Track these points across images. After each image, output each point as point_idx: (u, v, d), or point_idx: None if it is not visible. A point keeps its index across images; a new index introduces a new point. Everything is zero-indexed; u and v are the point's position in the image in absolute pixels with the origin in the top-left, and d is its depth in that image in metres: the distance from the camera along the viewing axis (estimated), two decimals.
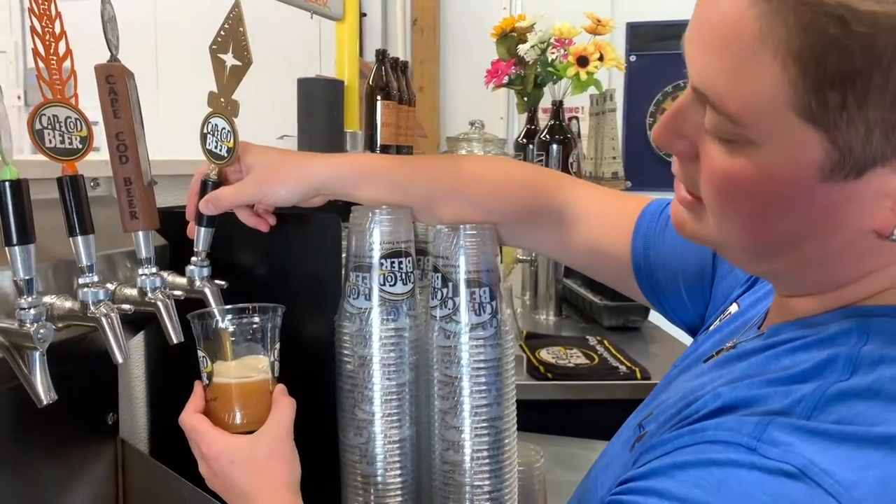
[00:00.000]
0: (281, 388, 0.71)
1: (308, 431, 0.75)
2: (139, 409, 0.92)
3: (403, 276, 0.74)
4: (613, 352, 1.71)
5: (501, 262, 0.86)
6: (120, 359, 0.59)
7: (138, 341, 0.90)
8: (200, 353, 0.70)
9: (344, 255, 0.78)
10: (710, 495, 0.39)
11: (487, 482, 0.74)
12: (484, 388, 0.73)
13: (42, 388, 0.54)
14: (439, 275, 0.73)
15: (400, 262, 0.74)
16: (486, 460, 0.74)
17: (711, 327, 0.61)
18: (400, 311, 0.74)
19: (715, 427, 0.43)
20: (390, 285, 0.73)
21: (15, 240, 0.52)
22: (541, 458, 0.87)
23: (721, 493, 0.39)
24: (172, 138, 0.98)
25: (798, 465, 0.39)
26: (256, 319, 0.71)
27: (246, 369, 0.70)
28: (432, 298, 0.74)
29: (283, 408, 0.69)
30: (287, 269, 0.80)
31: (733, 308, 0.60)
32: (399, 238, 0.74)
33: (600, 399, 1.54)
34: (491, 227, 0.73)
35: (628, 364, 1.61)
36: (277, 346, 0.73)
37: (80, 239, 0.59)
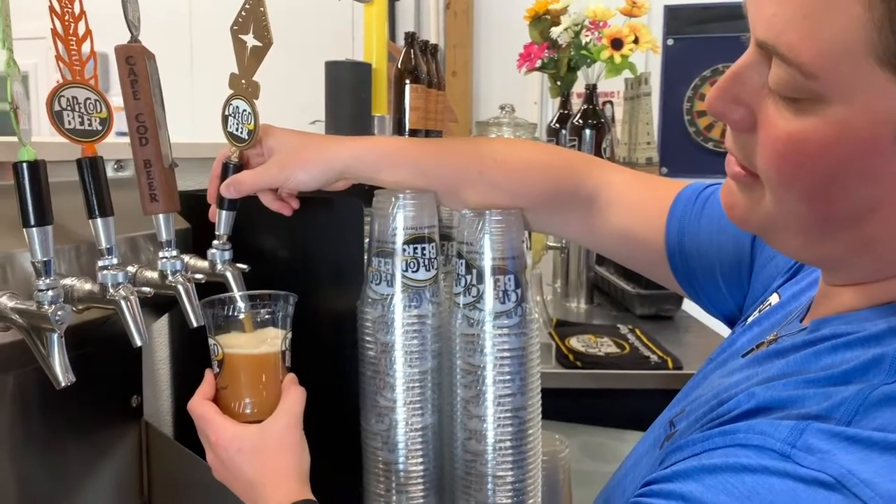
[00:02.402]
0: (291, 377, 0.70)
1: (329, 417, 0.75)
2: (163, 392, 0.92)
3: (427, 263, 0.72)
4: (645, 341, 1.68)
5: (530, 248, 0.84)
6: (138, 341, 0.59)
7: (162, 324, 0.91)
8: (211, 341, 0.69)
9: (367, 240, 0.77)
10: (738, 502, 0.37)
11: (510, 473, 0.73)
12: (508, 377, 0.71)
13: (60, 370, 0.54)
14: (463, 261, 0.72)
15: (423, 248, 0.72)
16: (509, 451, 0.72)
17: (750, 319, 0.58)
18: (423, 298, 0.73)
19: (747, 430, 0.40)
20: (413, 271, 0.72)
21: (32, 221, 0.52)
22: (566, 448, 0.85)
23: (751, 502, 0.37)
24: (207, 123, 0.97)
25: (835, 474, 0.36)
26: (268, 307, 0.71)
27: (258, 351, 0.70)
28: (456, 285, 0.73)
29: (293, 396, 0.68)
30: (309, 254, 0.79)
31: (773, 299, 0.57)
32: (422, 223, 0.72)
33: (630, 389, 1.52)
34: (517, 212, 0.71)
35: (660, 353, 1.58)
36: (289, 334, 0.72)
37: (99, 221, 0.59)
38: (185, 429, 0.92)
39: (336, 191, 0.75)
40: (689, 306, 1.95)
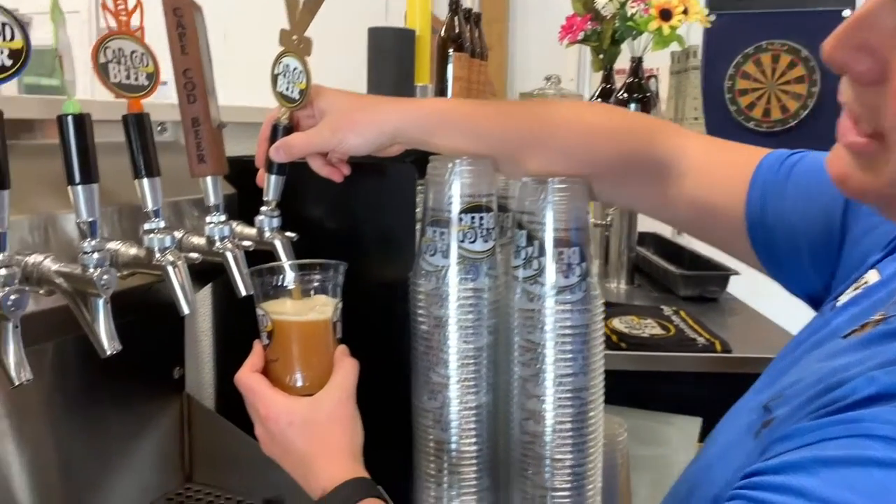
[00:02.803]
0: (343, 348, 0.67)
1: (380, 393, 0.71)
2: (206, 364, 0.90)
3: (484, 233, 0.68)
4: (690, 323, 1.63)
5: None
6: (186, 310, 0.56)
7: (205, 294, 0.88)
8: (260, 311, 0.66)
9: (420, 208, 0.73)
10: (865, 500, 0.33)
11: (569, 456, 0.69)
12: (569, 356, 0.67)
13: (105, 337, 0.51)
14: (524, 232, 0.68)
15: (481, 218, 0.68)
16: (569, 433, 0.69)
17: (842, 298, 0.53)
18: (479, 271, 0.69)
19: (872, 418, 0.36)
20: (470, 242, 0.68)
21: (78, 178, 0.49)
22: (624, 432, 0.81)
23: (880, 500, 0.32)
24: (241, 86, 0.94)
25: None
26: (318, 276, 0.67)
27: (309, 318, 0.66)
28: (515, 258, 0.69)
29: (346, 369, 0.65)
30: (360, 223, 0.76)
31: (872, 276, 0.52)
32: (480, 191, 0.68)
33: (675, 372, 1.48)
34: (582, 180, 0.67)
35: (707, 336, 1.53)
36: (340, 304, 0.68)
37: (145, 181, 0.56)
38: (228, 402, 0.90)
39: (389, 156, 0.71)
40: (735, 288, 1.90)
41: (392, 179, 0.73)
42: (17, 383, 0.45)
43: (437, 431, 0.71)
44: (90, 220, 0.50)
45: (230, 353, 0.89)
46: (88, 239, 0.50)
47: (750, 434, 0.47)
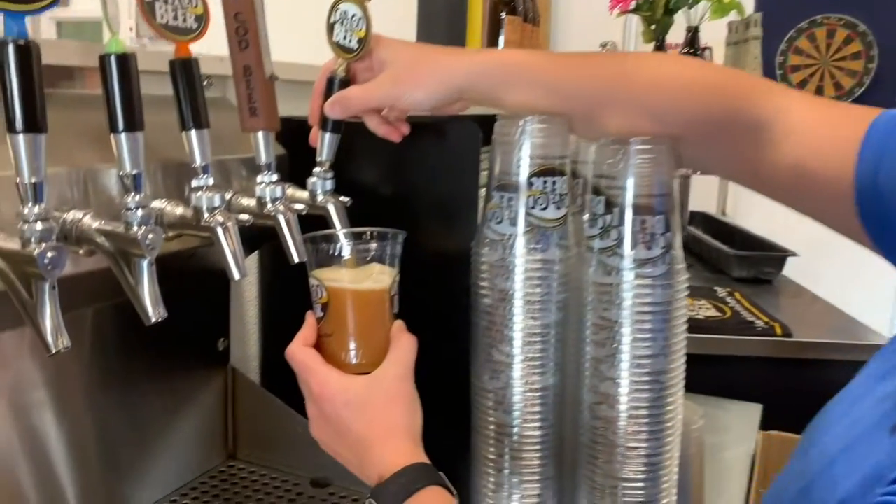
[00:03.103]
0: (400, 324, 0.62)
1: (437, 372, 0.66)
2: (251, 336, 0.86)
3: (557, 199, 0.62)
4: (746, 305, 1.56)
5: None
6: (237, 275, 0.51)
7: (252, 262, 0.83)
8: (314, 281, 0.61)
9: (484, 171, 0.67)
10: None
11: (644, 444, 0.63)
12: (649, 335, 0.61)
13: (150, 303, 0.46)
14: (602, 198, 0.61)
15: (553, 182, 0.62)
16: (645, 420, 0.63)
17: None
18: (550, 240, 0.63)
19: None
20: (541, 209, 0.62)
21: (121, 125, 0.44)
22: (700, 419, 0.75)
23: None
24: (291, 39, 0.88)
25: None
26: (375, 245, 0.62)
27: (365, 286, 0.61)
28: (591, 226, 0.63)
29: (403, 346, 0.60)
30: (419, 188, 0.70)
31: None
32: (553, 152, 0.62)
33: (732, 356, 1.41)
34: (668, 141, 0.60)
35: (765, 319, 1.45)
36: (397, 276, 0.63)
37: (193, 133, 0.51)
38: (274, 376, 0.86)
39: (453, 114, 0.65)
40: (791, 270, 1.81)
41: (454, 140, 0.68)
42: (53, 350, 0.41)
43: (498, 414, 0.66)
44: (134, 172, 0.45)
45: (277, 324, 0.84)
46: (132, 194, 0.45)
47: (883, 429, 0.41)
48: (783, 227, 2.05)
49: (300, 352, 0.58)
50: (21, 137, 0.38)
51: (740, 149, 0.60)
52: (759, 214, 1.78)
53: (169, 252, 0.59)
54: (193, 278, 0.69)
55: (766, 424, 1.28)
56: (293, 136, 0.69)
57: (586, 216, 0.70)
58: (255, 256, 0.82)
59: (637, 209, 0.60)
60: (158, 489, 0.71)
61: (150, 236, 0.46)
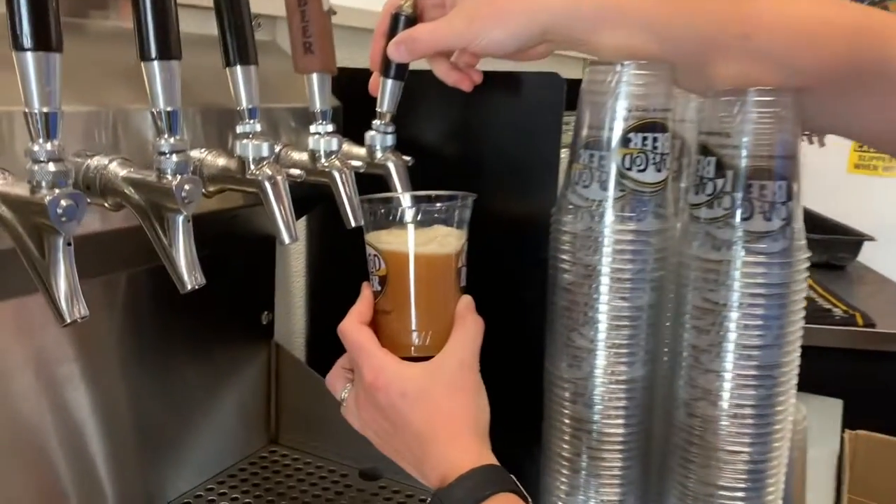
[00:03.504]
0: (467, 301, 0.54)
1: (506, 357, 0.59)
2: (297, 310, 0.79)
3: (657, 159, 0.53)
4: (820, 291, 1.44)
5: None
6: (286, 238, 0.43)
7: (299, 228, 0.75)
8: (371, 250, 0.53)
9: (567, 127, 0.58)
10: None
11: (748, 448, 0.55)
12: (761, 322, 0.52)
13: (185, 267, 0.39)
14: (712, 160, 0.52)
15: (654, 139, 0.53)
16: (751, 420, 0.54)
17: None
18: (646, 208, 0.54)
19: None
20: (638, 170, 0.53)
21: (154, 52, 0.36)
22: (804, 420, 0.66)
23: None
24: None
25: None
26: (440, 206, 0.54)
27: (429, 249, 0.53)
28: (696, 192, 0.53)
29: (469, 328, 0.52)
30: (491, 146, 0.62)
31: None
32: (655, 104, 0.53)
33: (807, 346, 1.30)
34: (793, 94, 0.51)
35: (844, 308, 1.34)
36: (465, 243, 0.55)
37: (239, 70, 0.43)
38: (322, 355, 0.78)
39: (532, 60, 0.57)
40: (867, 255, 1.69)
41: (535, 92, 0.59)
42: (68, 320, 0.34)
43: (576, 407, 0.58)
44: (169, 109, 0.37)
45: (327, 297, 0.77)
46: (166, 136, 0.38)
47: None
48: (857, 209, 1.92)
49: (355, 330, 0.51)
50: (29, 56, 0.31)
51: (876, 102, 0.50)
52: (830, 195, 1.66)
53: (208, 211, 0.52)
54: (235, 243, 0.62)
55: (848, 421, 1.18)
56: (349, 87, 0.61)
57: (683, 183, 0.61)
58: (303, 222, 0.75)
59: (754, 173, 0.51)
60: (194, 476, 0.64)
61: (187, 187, 0.38)
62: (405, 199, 0.55)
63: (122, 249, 0.45)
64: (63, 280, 0.33)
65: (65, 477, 0.55)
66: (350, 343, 0.51)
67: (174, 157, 0.38)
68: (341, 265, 0.62)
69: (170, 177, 0.38)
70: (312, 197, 0.61)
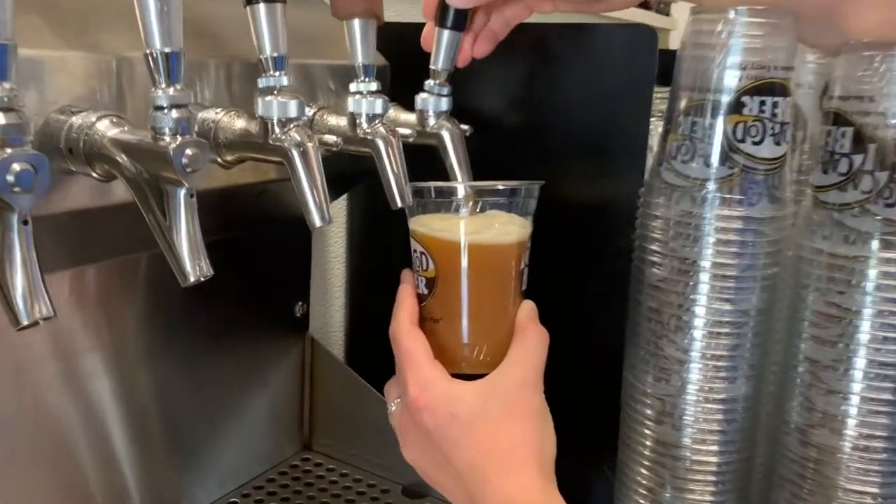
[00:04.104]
0: (529, 308, 0.45)
1: (576, 364, 0.50)
2: (335, 301, 0.71)
3: (776, 130, 0.43)
4: None
5: None
6: (317, 220, 0.35)
7: (338, 209, 0.67)
8: (417, 247, 0.44)
9: (660, 90, 0.48)
10: None
11: (876, 489, 0.46)
12: None
13: (187, 254, 0.31)
14: (847, 130, 0.42)
15: (774, 105, 0.43)
16: (882, 454, 0.45)
17: None
18: (760, 189, 0.45)
19: None
20: (753, 142, 0.43)
21: None
22: None
23: None
24: None
25: None
26: (502, 191, 0.44)
27: (485, 238, 0.44)
28: (824, 171, 0.43)
29: (531, 340, 0.43)
30: (563, 111, 0.53)
31: None
32: (775, 61, 0.44)
33: None
34: None
35: None
36: (529, 241, 0.45)
37: (262, 8, 0.34)
38: (363, 352, 0.71)
39: (613, 9, 0.47)
40: None
41: (619, 46, 0.49)
42: (23, 323, 0.26)
43: (662, 428, 0.49)
44: (167, 50, 0.29)
45: (369, 286, 0.69)
46: (162, 84, 0.29)
47: None
48: None
49: (407, 335, 0.42)
50: None
51: None
52: None
53: (231, 185, 0.44)
54: (264, 223, 0.54)
55: None
56: (397, 46, 0.52)
57: (797, 158, 0.51)
58: (343, 200, 0.66)
59: None
60: (215, 487, 0.57)
61: (189, 151, 0.30)
62: (462, 183, 0.46)
63: (141, 229, 0.37)
64: (19, 273, 0.25)
65: (86, 483, 0.49)
66: (401, 350, 0.43)
67: (173, 113, 0.30)
68: (386, 250, 0.54)
69: (167, 138, 0.30)
70: (354, 171, 0.53)
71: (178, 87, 0.30)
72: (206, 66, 0.43)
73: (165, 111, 0.30)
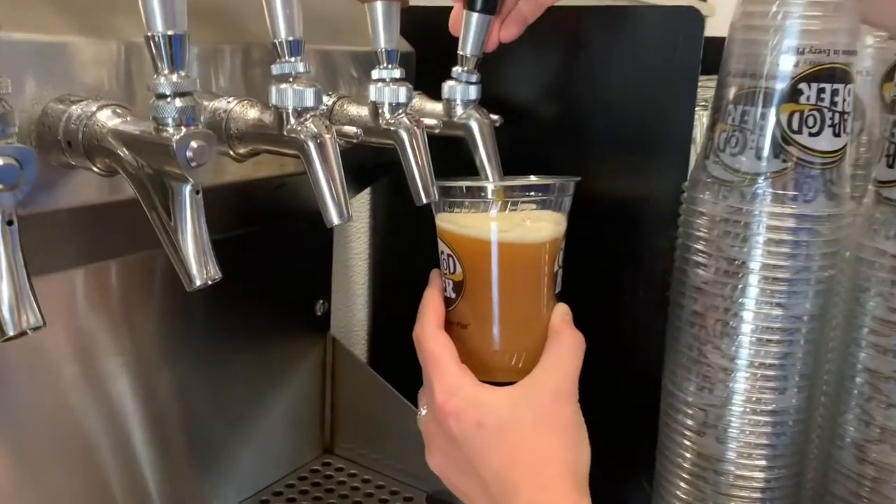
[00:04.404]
0: (563, 311, 0.42)
1: (611, 371, 0.47)
2: (358, 299, 0.68)
3: (835, 120, 0.40)
4: None
5: None
6: (334, 217, 0.32)
7: (361, 203, 0.65)
8: (444, 249, 0.42)
9: (704, 82, 0.45)
10: None
11: None
12: None
13: (192, 255, 0.28)
14: None
15: (834, 93, 0.40)
16: None
17: None
18: (816, 185, 0.41)
19: None
20: (811, 133, 0.40)
21: None
22: None
23: None
24: None
25: None
26: (534, 186, 0.41)
27: (514, 236, 0.42)
28: (890, 165, 0.40)
29: (565, 345, 0.40)
30: (600, 101, 0.49)
31: None
32: (835, 44, 0.40)
33: None
34: None
35: None
36: (563, 241, 0.42)
37: None
38: (386, 353, 0.68)
39: None
40: None
41: (662, 30, 0.46)
42: (9, 334, 0.23)
43: (704, 440, 0.46)
44: (170, 32, 0.26)
45: (393, 284, 0.67)
46: (165, 70, 0.27)
47: None
48: None
49: (433, 339, 0.40)
50: None
51: None
52: None
53: (247, 179, 0.42)
54: (283, 219, 0.52)
55: None
56: (423, 32, 0.49)
57: (853, 151, 0.47)
58: (366, 195, 0.64)
59: None
60: (232, 493, 0.55)
61: (195, 144, 0.27)
62: (487, 170, 0.43)
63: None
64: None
65: (99, 487, 0.47)
66: (425, 354, 0.40)
67: (177, 102, 0.27)
68: (411, 247, 0.52)
69: (171, 129, 0.27)
70: (377, 164, 0.50)
71: (182, 73, 0.27)
72: (222, 52, 0.40)
73: (168, 100, 0.27)
